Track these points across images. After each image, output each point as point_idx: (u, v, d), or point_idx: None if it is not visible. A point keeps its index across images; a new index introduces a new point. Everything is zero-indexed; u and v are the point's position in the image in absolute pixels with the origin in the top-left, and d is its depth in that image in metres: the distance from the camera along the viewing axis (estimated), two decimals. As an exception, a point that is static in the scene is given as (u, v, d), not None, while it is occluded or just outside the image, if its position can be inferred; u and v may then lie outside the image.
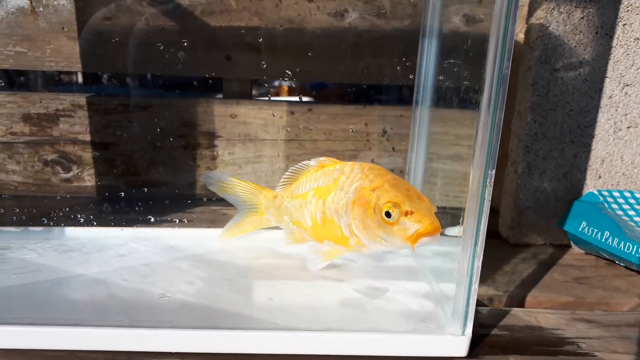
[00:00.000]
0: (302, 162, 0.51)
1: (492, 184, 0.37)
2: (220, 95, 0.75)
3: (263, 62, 0.68)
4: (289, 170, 0.52)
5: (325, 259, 0.48)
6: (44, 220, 0.59)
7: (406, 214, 0.41)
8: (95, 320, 0.41)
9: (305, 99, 0.76)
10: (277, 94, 0.83)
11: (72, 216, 0.62)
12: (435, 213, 0.42)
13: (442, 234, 0.41)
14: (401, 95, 0.74)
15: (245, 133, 0.73)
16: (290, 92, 0.80)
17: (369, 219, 0.43)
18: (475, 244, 0.38)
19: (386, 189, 0.43)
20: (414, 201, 0.41)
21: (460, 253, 0.39)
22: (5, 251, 0.52)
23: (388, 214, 0.41)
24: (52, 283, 0.46)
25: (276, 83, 0.81)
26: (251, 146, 0.73)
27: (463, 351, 0.41)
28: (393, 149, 0.73)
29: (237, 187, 0.55)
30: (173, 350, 0.39)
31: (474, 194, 0.38)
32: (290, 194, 0.51)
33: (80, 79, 0.84)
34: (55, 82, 0.82)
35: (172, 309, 0.43)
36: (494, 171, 0.37)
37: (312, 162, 0.50)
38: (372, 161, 0.73)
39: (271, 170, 0.74)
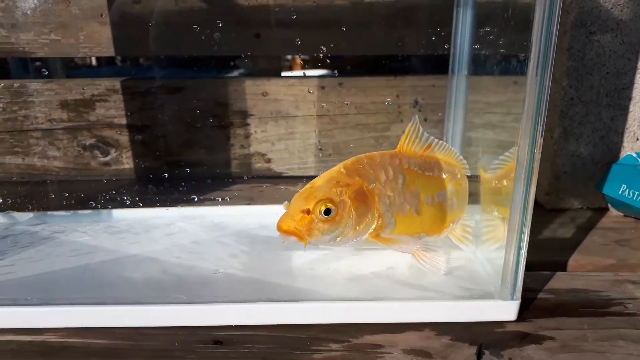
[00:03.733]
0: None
1: (540, 151, 0.37)
2: (250, 74, 0.76)
3: (296, 39, 0.68)
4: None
5: None
6: (91, 204, 0.61)
7: None
8: (156, 298, 0.42)
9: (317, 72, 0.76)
10: (302, 68, 0.83)
11: (118, 198, 0.64)
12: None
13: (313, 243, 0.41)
14: (432, 64, 0.74)
15: (277, 110, 0.74)
16: (321, 66, 0.80)
17: None
18: (524, 211, 0.39)
19: None
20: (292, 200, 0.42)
21: (509, 220, 0.40)
22: (59, 234, 0.54)
23: None
24: (108, 264, 0.48)
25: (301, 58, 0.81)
26: (283, 123, 0.74)
27: (513, 315, 0.42)
28: (425, 119, 0.73)
29: None
30: (232, 324, 0.41)
31: (522, 161, 0.38)
32: None
33: (112, 62, 0.85)
34: (87, 67, 0.83)
35: (226, 283, 0.45)
36: (542, 138, 0.37)
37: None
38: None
39: (304, 146, 0.75)
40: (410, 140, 0.47)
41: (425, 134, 0.47)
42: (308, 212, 0.41)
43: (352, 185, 0.42)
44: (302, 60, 0.81)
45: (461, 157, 0.50)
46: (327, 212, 0.41)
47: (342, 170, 0.43)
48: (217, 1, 0.68)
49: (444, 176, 0.47)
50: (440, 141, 0.48)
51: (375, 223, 0.43)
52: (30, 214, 0.59)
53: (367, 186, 0.43)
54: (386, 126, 0.74)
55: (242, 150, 0.75)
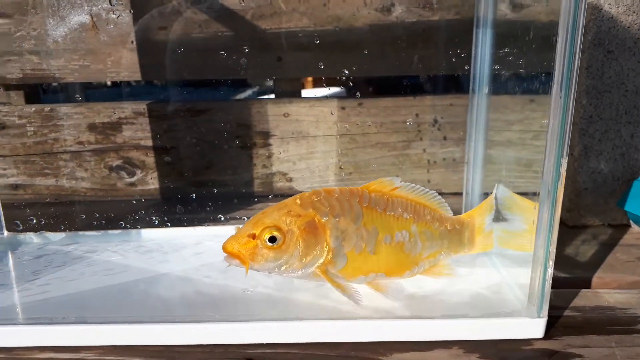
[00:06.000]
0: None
1: (564, 171, 0.38)
2: (272, 96, 0.77)
3: (317, 62, 0.69)
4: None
5: None
6: (121, 223, 0.62)
7: None
8: (189, 317, 0.44)
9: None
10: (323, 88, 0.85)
11: (147, 218, 0.66)
12: None
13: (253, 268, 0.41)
14: (451, 84, 0.75)
15: (298, 131, 0.75)
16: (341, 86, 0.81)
17: None
18: (550, 229, 0.40)
19: None
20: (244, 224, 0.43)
21: (535, 238, 0.40)
22: (91, 254, 0.56)
23: None
24: (140, 282, 0.50)
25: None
26: (304, 143, 0.76)
27: (540, 333, 0.42)
28: (444, 138, 0.74)
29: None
30: (265, 342, 0.42)
31: (547, 180, 0.39)
32: None
33: (138, 86, 0.87)
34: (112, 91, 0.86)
35: (256, 302, 0.46)
36: (566, 159, 0.38)
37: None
38: (424, 151, 0.74)
39: (324, 165, 0.76)
40: (381, 184, 0.46)
41: (400, 182, 0.46)
42: (254, 236, 0.41)
43: (303, 216, 0.42)
44: (323, 81, 0.82)
45: (441, 200, 0.48)
46: (273, 239, 0.41)
47: (297, 201, 0.43)
48: (239, 26, 0.70)
49: (407, 216, 0.45)
50: (416, 185, 0.47)
51: (324, 257, 0.42)
52: (62, 234, 0.60)
53: (319, 219, 0.42)
54: (405, 144, 0.75)
55: (264, 170, 0.76)
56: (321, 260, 0.42)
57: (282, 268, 0.42)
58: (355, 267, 0.43)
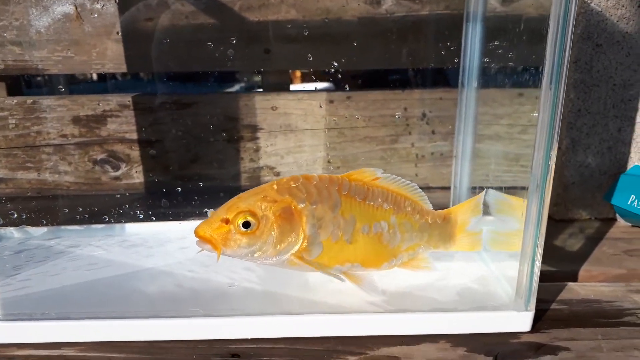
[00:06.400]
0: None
1: (554, 164, 0.38)
2: (260, 89, 0.77)
3: (306, 54, 0.69)
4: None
5: None
6: (104, 218, 0.61)
7: None
8: (172, 312, 0.43)
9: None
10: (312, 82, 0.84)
11: (131, 213, 0.65)
12: None
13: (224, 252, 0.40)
14: (441, 77, 0.74)
15: (286, 124, 0.74)
16: (330, 79, 0.81)
17: None
18: (539, 224, 0.39)
19: None
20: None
21: (523, 232, 0.40)
22: (74, 249, 0.55)
23: None
24: (124, 277, 0.49)
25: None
26: (292, 136, 0.75)
27: (527, 326, 0.42)
28: (433, 132, 0.73)
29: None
30: (249, 337, 0.41)
31: (536, 174, 0.39)
32: None
33: (124, 78, 0.86)
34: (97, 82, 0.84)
35: (241, 297, 0.45)
36: (555, 152, 0.38)
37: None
38: (413, 145, 0.74)
39: (312, 159, 0.76)
40: (361, 174, 0.45)
41: (382, 172, 0.46)
42: (227, 221, 0.40)
43: (279, 202, 0.41)
44: (312, 74, 0.81)
45: (422, 193, 0.47)
46: (246, 224, 0.40)
47: (274, 186, 0.42)
48: (227, 17, 0.69)
49: (387, 207, 0.45)
50: (398, 177, 0.46)
51: (300, 244, 0.41)
52: (44, 229, 0.59)
53: (295, 205, 0.41)
54: (394, 138, 0.74)
55: (251, 164, 0.75)
56: (296, 248, 0.41)
57: (256, 254, 0.41)
58: (331, 255, 0.43)
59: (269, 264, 0.42)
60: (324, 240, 0.42)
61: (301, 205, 0.42)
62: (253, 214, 0.40)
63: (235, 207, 0.40)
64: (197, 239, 0.41)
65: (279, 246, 0.41)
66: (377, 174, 0.45)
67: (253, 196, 0.41)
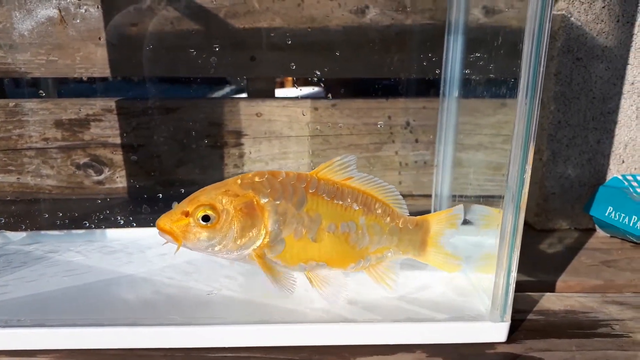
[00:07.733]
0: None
1: (529, 177, 0.38)
2: (245, 95, 0.77)
3: (290, 62, 0.69)
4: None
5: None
6: (85, 223, 0.61)
7: None
8: (150, 319, 0.43)
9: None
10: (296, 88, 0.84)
11: (112, 218, 0.64)
12: None
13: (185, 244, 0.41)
14: (424, 87, 0.75)
15: (271, 131, 0.74)
16: (314, 87, 0.81)
17: None
18: (514, 235, 0.40)
19: None
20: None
21: (499, 243, 0.41)
22: (53, 254, 0.54)
23: None
24: (102, 284, 0.48)
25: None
26: (276, 143, 0.75)
27: (503, 336, 0.43)
28: (416, 140, 0.74)
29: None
30: (227, 345, 0.41)
31: (512, 185, 0.39)
32: None
33: (106, 83, 0.85)
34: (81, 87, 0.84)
35: (221, 305, 0.45)
36: (530, 165, 0.38)
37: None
38: (396, 153, 0.75)
39: (296, 166, 0.76)
40: (332, 169, 0.44)
41: (354, 170, 0.45)
42: (187, 214, 0.40)
43: (241, 196, 0.41)
44: (296, 81, 0.82)
45: (398, 196, 0.46)
46: (206, 218, 0.40)
47: (238, 181, 0.42)
48: (212, 24, 0.69)
49: (356, 207, 0.44)
50: (373, 177, 0.45)
51: (261, 240, 0.41)
52: (24, 234, 0.59)
53: (258, 201, 0.41)
54: (378, 146, 0.75)
55: (236, 170, 0.75)
56: (258, 243, 0.41)
57: (216, 248, 0.41)
58: (294, 253, 0.42)
59: (231, 258, 0.42)
60: (286, 236, 0.42)
61: (264, 201, 0.41)
62: (213, 208, 0.40)
63: (196, 201, 0.41)
64: (159, 231, 0.41)
65: (239, 241, 0.41)
66: (346, 162, 0.44)
67: (215, 190, 0.41)
